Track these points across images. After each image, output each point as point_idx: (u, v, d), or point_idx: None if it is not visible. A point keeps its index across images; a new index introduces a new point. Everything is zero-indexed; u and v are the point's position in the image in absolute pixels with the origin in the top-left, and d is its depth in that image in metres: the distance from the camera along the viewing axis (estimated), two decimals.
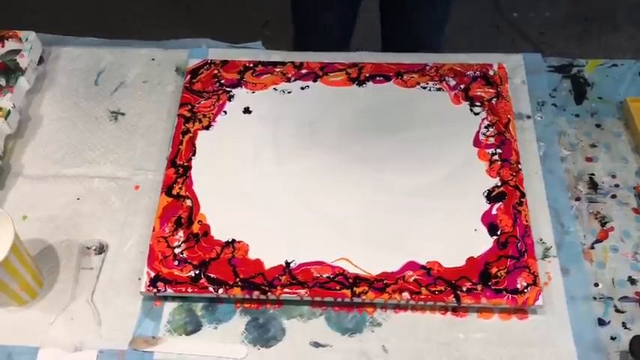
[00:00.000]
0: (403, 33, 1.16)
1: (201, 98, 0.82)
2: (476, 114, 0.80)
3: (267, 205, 0.73)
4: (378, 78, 0.84)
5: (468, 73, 0.84)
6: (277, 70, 0.85)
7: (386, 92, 0.83)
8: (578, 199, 0.75)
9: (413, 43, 1.13)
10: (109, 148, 0.81)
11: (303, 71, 0.85)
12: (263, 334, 0.66)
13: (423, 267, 0.68)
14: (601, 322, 0.66)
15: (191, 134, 0.79)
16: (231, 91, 0.83)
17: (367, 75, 0.84)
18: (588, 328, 0.66)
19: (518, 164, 0.75)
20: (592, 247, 0.71)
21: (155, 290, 0.67)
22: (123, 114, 0.84)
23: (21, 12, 1.75)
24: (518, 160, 0.76)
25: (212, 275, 0.68)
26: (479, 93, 0.82)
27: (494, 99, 0.81)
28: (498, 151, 0.77)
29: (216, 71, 0.85)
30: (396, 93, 0.83)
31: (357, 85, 0.84)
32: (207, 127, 0.80)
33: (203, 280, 0.68)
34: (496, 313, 0.67)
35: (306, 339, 0.66)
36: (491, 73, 0.84)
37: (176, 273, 0.68)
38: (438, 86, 0.83)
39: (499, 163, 0.76)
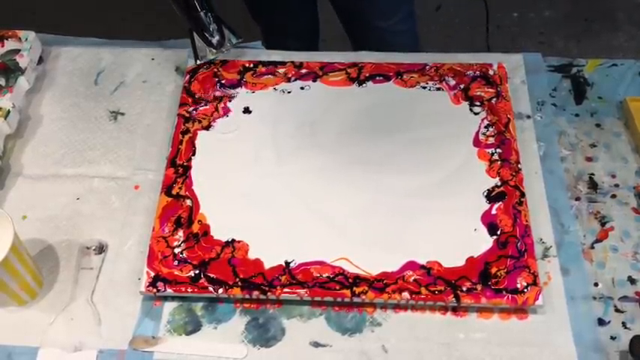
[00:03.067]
0: (357, 23, 1.14)
1: (199, 105, 0.82)
2: (476, 114, 0.80)
3: (267, 205, 0.73)
4: (378, 78, 0.84)
5: (468, 72, 0.84)
6: (279, 71, 0.85)
7: (386, 92, 0.83)
8: (578, 198, 0.75)
9: (368, 32, 1.11)
10: (109, 148, 0.81)
11: (303, 71, 0.85)
12: (263, 334, 0.66)
13: (422, 267, 0.68)
14: (601, 322, 0.66)
15: (191, 134, 0.79)
16: (231, 96, 0.83)
17: (367, 75, 0.84)
18: (588, 328, 0.66)
19: (518, 164, 0.75)
20: (592, 247, 0.71)
21: (155, 290, 0.67)
22: (123, 114, 0.84)
23: (21, 12, 1.75)
24: (518, 159, 0.76)
25: (212, 275, 0.68)
26: (479, 93, 0.82)
27: (494, 99, 0.81)
28: (498, 150, 0.77)
29: (215, 70, 0.85)
30: (396, 93, 0.83)
31: (357, 84, 0.83)
32: (207, 128, 0.80)
33: (203, 280, 0.68)
34: (496, 313, 0.67)
35: (306, 339, 0.66)
36: (491, 72, 0.84)
37: (176, 273, 0.68)
38: (437, 86, 0.83)
39: (499, 162, 0.76)
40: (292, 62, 0.86)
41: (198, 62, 0.81)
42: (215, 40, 0.79)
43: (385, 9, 1.08)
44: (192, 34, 0.81)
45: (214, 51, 0.80)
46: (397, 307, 0.68)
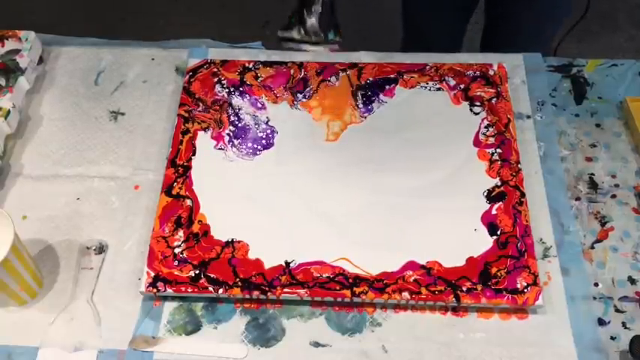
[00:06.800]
0: (506, 28, 1.10)
1: (198, 106, 0.81)
2: (476, 114, 0.80)
3: (267, 205, 0.73)
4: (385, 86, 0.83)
5: (468, 73, 0.84)
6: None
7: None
8: (578, 199, 0.75)
9: (516, 38, 1.07)
10: (109, 148, 0.81)
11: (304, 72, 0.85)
12: (263, 334, 0.66)
13: (422, 267, 0.68)
14: (601, 322, 0.67)
15: (191, 134, 0.79)
16: (229, 101, 0.82)
17: (368, 78, 0.84)
18: (588, 328, 0.66)
19: (518, 164, 0.75)
20: (592, 247, 0.71)
21: (155, 290, 0.67)
22: (123, 114, 0.84)
23: (21, 12, 1.75)
24: (518, 160, 0.76)
25: (212, 275, 0.68)
26: (479, 93, 0.82)
27: (494, 99, 0.81)
28: (498, 151, 0.77)
29: (215, 70, 0.85)
30: (396, 93, 0.83)
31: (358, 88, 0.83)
32: (206, 129, 0.80)
33: (203, 280, 0.68)
34: (496, 313, 0.67)
35: (306, 339, 0.66)
36: (491, 73, 0.84)
37: (176, 273, 0.68)
38: (437, 86, 0.83)
39: (499, 162, 0.76)
40: (293, 62, 0.86)
41: (279, 34, 0.73)
42: (308, 23, 0.72)
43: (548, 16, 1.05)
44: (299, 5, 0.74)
45: (303, 33, 0.74)
46: (397, 307, 0.68)
